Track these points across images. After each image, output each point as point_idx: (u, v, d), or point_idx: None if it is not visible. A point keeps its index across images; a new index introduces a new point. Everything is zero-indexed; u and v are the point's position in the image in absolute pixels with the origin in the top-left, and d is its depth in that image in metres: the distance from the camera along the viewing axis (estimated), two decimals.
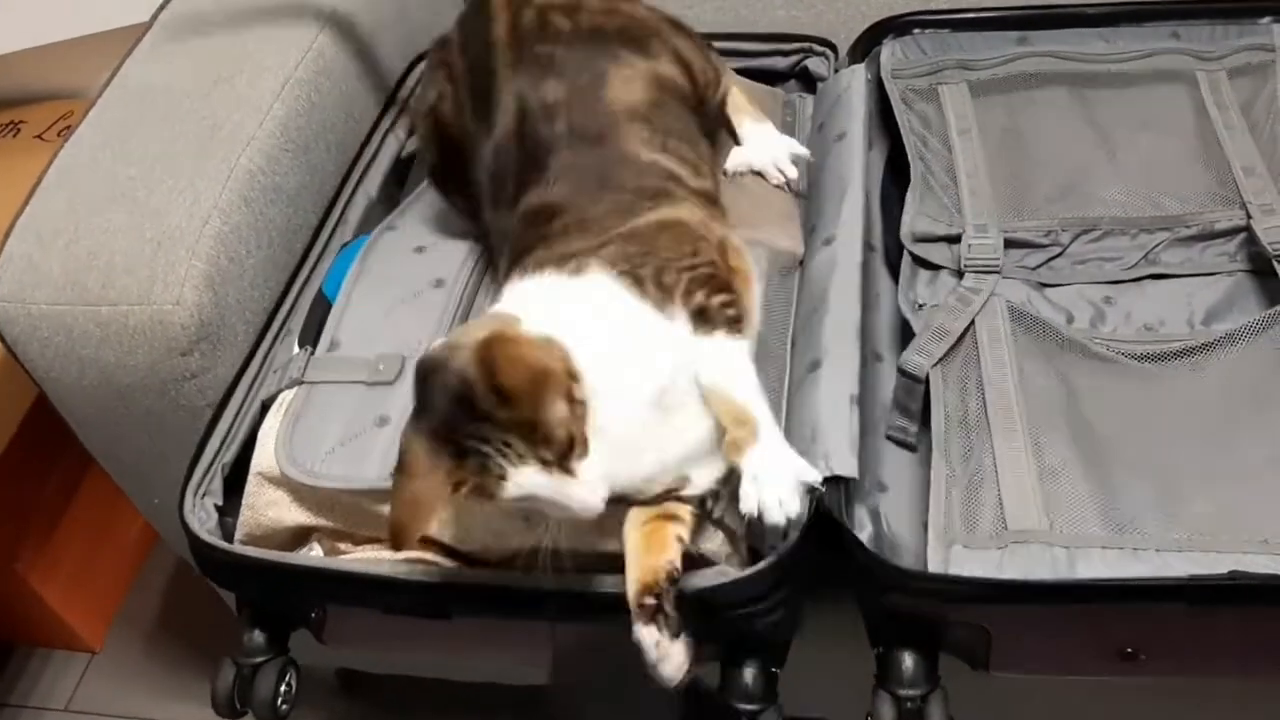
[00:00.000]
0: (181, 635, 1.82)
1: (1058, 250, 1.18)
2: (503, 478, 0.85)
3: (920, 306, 1.15)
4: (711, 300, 0.96)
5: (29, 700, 1.78)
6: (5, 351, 1.30)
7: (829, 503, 0.96)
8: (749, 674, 0.98)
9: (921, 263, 1.19)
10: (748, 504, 0.90)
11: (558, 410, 0.85)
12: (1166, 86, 1.30)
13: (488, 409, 0.83)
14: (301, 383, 1.09)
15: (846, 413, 1.00)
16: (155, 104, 1.30)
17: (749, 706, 0.97)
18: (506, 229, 1.08)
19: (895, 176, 1.28)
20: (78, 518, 1.78)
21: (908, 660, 0.96)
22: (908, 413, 1.08)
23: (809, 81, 1.44)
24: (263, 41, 1.35)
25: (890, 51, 1.38)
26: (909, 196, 1.22)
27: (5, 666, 1.82)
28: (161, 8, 1.44)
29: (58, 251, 1.16)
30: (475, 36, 1.18)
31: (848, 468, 0.96)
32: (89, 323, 1.13)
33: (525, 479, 0.85)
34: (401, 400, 1.04)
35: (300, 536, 1.06)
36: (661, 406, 0.92)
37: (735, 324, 0.97)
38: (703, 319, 0.95)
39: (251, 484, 1.05)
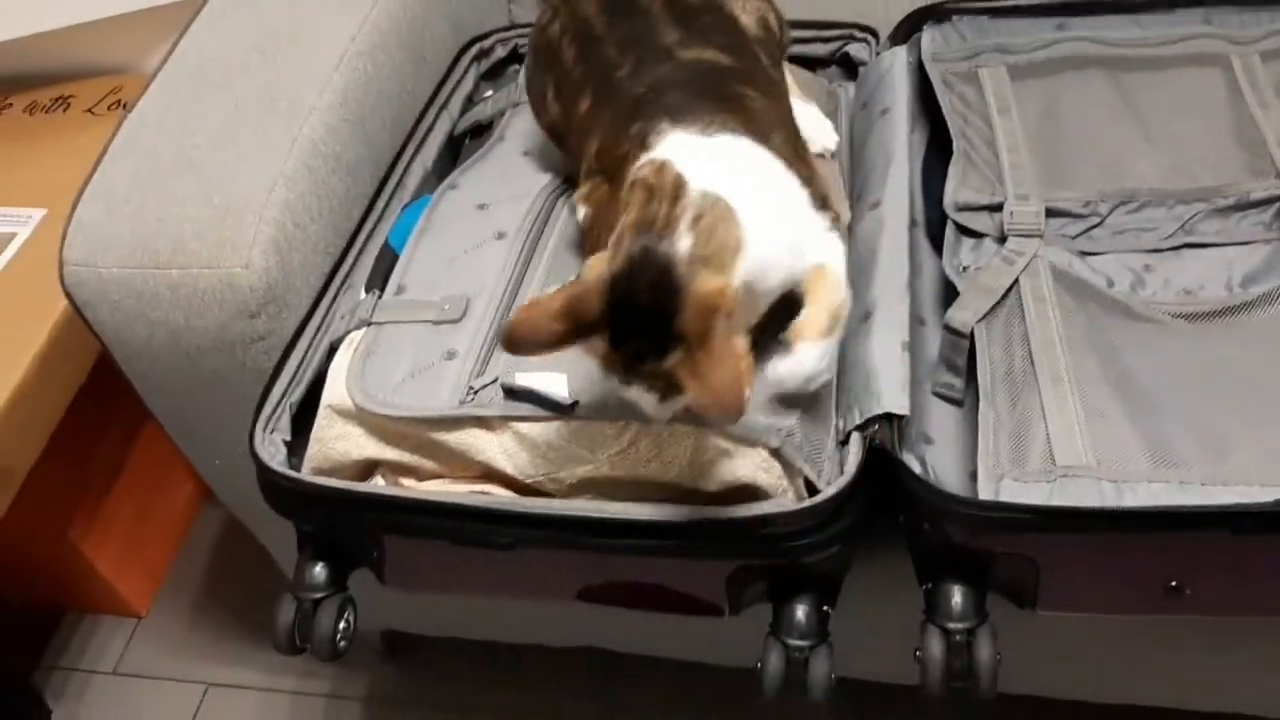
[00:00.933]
0: (226, 601, 1.85)
1: (1096, 220, 1.21)
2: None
3: (964, 269, 1.18)
4: None
5: (79, 664, 1.81)
6: (67, 321, 1.33)
7: (881, 439, 0.99)
8: (801, 611, 1.00)
9: (965, 231, 1.22)
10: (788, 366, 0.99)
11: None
12: (1200, 69, 1.32)
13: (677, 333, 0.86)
14: (370, 323, 1.12)
15: (899, 357, 1.02)
16: (216, 76, 1.33)
17: (801, 643, 0.99)
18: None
19: (936, 157, 1.31)
20: (128, 485, 1.80)
21: (956, 594, 0.98)
22: (954, 368, 1.11)
23: (849, 67, 1.47)
24: (319, 14, 1.39)
25: (930, 37, 1.41)
26: (951, 169, 1.26)
27: (55, 630, 1.85)
28: None
29: (126, 217, 1.19)
30: None
31: (900, 406, 0.99)
32: (160, 285, 1.16)
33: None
34: (467, 336, 1.07)
35: (366, 472, 1.09)
36: None
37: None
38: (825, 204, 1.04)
39: (321, 417, 1.07)
